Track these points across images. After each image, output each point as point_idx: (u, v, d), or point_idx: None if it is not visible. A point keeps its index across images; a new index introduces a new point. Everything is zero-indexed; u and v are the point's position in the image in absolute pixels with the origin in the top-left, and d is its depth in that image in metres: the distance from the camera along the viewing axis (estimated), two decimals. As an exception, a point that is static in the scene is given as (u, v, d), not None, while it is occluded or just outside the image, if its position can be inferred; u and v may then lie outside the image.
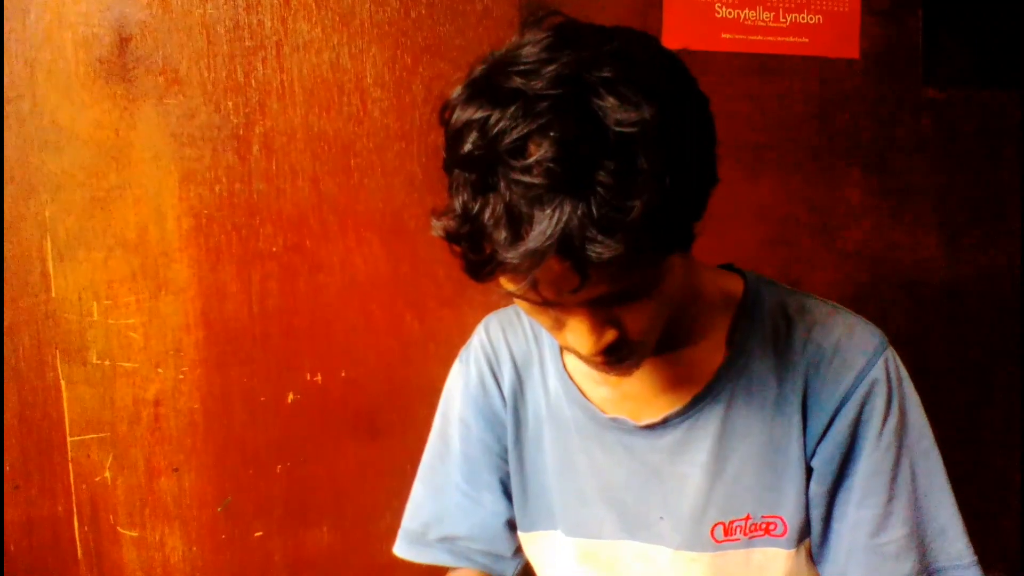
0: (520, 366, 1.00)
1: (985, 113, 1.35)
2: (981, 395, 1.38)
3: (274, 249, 1.15)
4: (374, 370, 1.19)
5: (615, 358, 0.76)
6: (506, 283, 0.69)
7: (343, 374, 1.18)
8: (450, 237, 0.68)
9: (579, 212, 0.61)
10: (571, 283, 0.65)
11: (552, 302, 0.69)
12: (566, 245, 0.61)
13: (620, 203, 0.61)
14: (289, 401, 1.17)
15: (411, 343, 1.19)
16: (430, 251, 1.18)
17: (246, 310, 1.15)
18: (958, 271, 1.36)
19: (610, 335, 0.73)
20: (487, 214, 0.64)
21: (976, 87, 1.34)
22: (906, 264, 1.36)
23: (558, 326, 0.75)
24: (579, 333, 0.72)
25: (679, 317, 0.87)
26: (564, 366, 0.96)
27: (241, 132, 1.14)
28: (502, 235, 0.63)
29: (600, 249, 0.61)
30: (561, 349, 0.96)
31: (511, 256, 0.62)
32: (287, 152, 1.15)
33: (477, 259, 0.67)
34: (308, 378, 1.17)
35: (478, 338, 1.03)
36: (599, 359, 0.76)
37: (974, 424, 1.36)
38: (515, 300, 0.75)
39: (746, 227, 1.30)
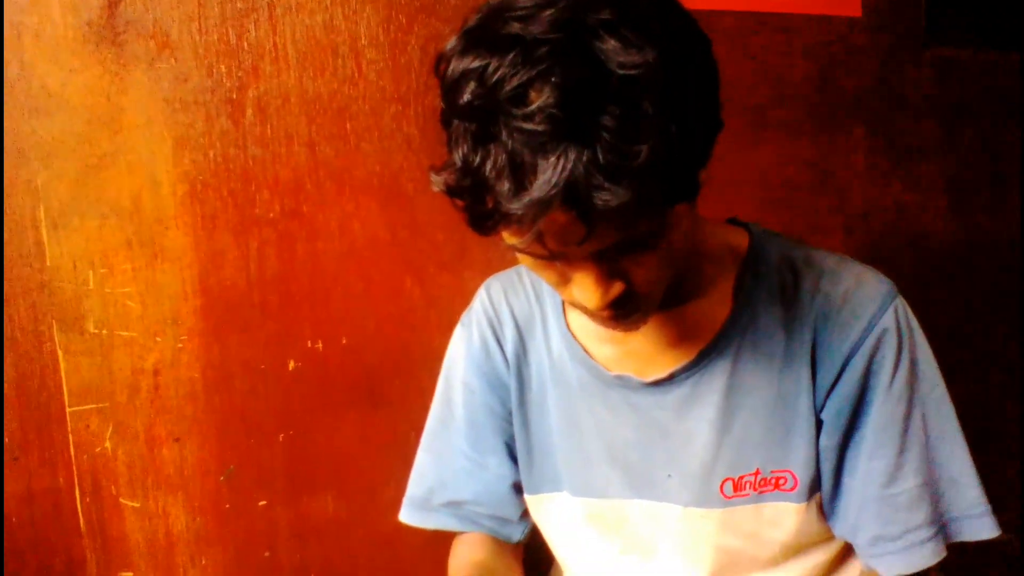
0: (523, 328, 0.99)
1: (989, 72, 1.32)
2: (987, 356, 1.37)
3: (271, 215, 1.13)
4: (375, 337, 1.17)
5: (622, 312, 0.75)
6: (509, 237, 0.68)
7: (344, 341, 1.16)
8: (451, 191, 0.66)
9: (584, 159, 0.59)
10: (577, 234, 0.63)
11: (557, 255, 0.68)
12: (571, 194, 0.60)
13: (626, 148, 0.59)
14: (290, 369, 1.16)
15: (411, 309, 1.18)
16: (429, 215, 1.17)
17: (244, 277, 1.13)
18: (964, 232, 1.35)
19: (617, 288, 0.71)
20: (489, 165, 0.62)
21: (980, 46, 1.32)
22: (911, 225, 1.34)
23: (563, 281, 0.74)
24: (585, 287, 0.71)
25: (684, 272, 0.86)
26: (567, 326, 0.95)
27: (234, 96, 1.12)
28: (505, 186, 0.61)
29: (607, 197, 0.60)
30: (564, 309, 0.95)
31: (515, 207, 0.61)
32: (282, 116, 1.13)
33: (480, 212, 0.65)
34: (308, 345, 1.16)
35: (479, 301, 1.02)
36: (606, 313, 0.75)
37: (980, 385, 1.35)
38: (519, 256, 0.74)
39: (749, 189, 1.29)
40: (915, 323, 0.86)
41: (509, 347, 0.98)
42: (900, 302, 0.85)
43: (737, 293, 0.87)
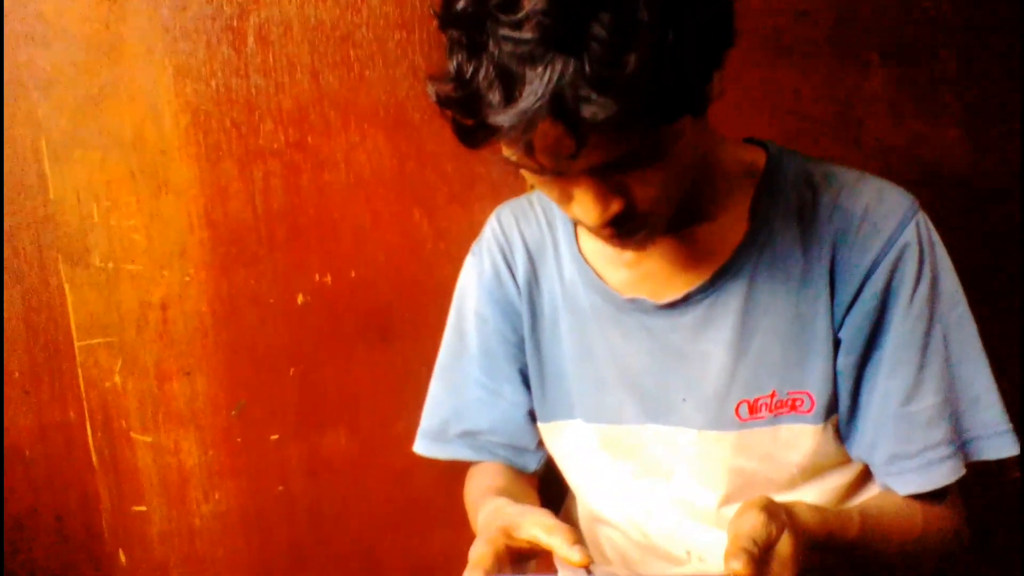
0: (534, 254, 0.97)
1: (1010, 1, 1.28)
2: (1004, 287, 1.35)
3: (275, 146, 1.11)
4: (384, 270, 1.16)
5: (624, 230, 0.73)
6: (506, 150, 0.66)
7: (352, 274, 1.15)
8: (442, 102, 0.64)
9: (571, 69, 0.57)
10: (567, 148, 0.61)
11: (553, 170, 0.66)
12: (558, 105, 0.58)
13: (614, 58, 0.57)
14: (299, 303, 1.14)
15: (420, 241, 1.16)
16: (437, 145, 1.15)
17: (250, 209, 1.12)
18: (980, 165, 1.31)
19: (616, 205, 0.69)
20: (480, 76, 0.60)
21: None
22: (926, 157, 1.31)
23: (565, 198, 0.72)
24: (584, 204, 0.69)
25: (698, 192, 0.84)
26: (580, 251, 0.93)
27: (235, 24, 1.09)
28: (495, 98, 0.59)
29: (594, 109, 0.57)
30: (576, 234, 0.94)
31: (502, 120, 0.59)
32: (284, 44, 1.10)
33: (468, 124, 0.63)
34: (317, 279, 1.14)
35: (490, 228, 1.01)
36: (607, 232, 0.73)
37: (996, 318, 1.33)
38: (523, 172, 0.72)
39: (763, 119, 1.26)
40: (937, 239, 0.84)
41: (520, 274, 0.97)
42: (922, 216, 0.83)
43: (753, 212, 0.85)
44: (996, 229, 1.28)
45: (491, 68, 0.59)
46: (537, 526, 0.67)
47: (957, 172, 1.31)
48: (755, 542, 0.59)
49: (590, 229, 0.74)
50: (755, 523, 0.61)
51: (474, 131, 0.63)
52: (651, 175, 0.69)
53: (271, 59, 1.10)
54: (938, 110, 1.29)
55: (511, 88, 0.59)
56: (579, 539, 0.66)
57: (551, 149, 0.62)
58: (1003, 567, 1.29)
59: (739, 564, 0.57)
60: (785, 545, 0.62)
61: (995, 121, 1.30)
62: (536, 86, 0.57)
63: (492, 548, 0.68)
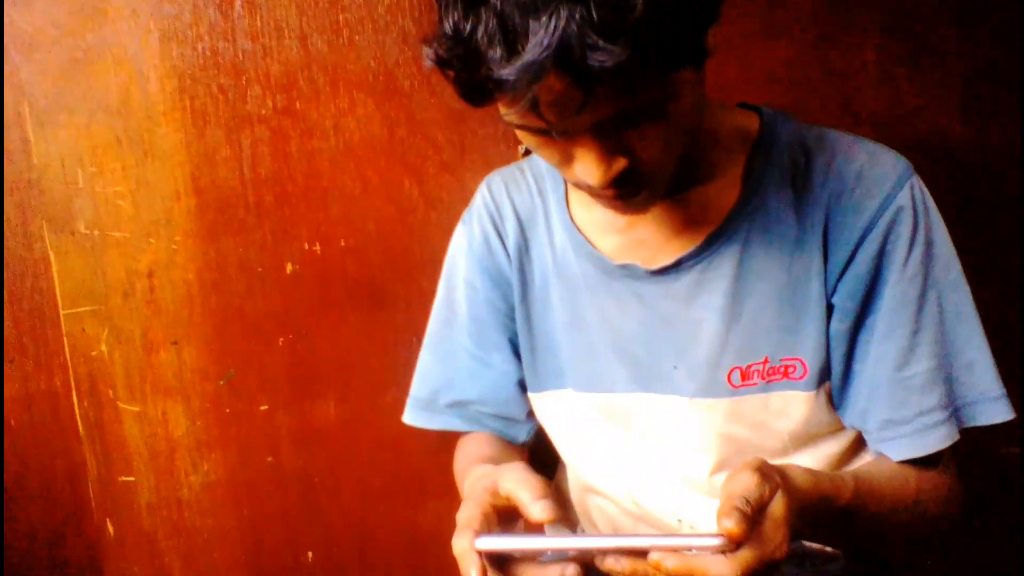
0: (525, 222, 0.96)
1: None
2: (1000, 259, 1.34)
3: (263, 112, 1.10)
4: (374, 239, 1.14)
5: (627, 191, 0.72)
6: (507, 110, 0.64)
7: (342, 243, 1.14)
8: (442, 63, 0.63)
9: (577, 17, 0.55)
10: (574, 101, 0.60)
11: (557, 128, 0.64)
12: (565, 55, 0.56)
13: (620, 3, 0.56)
14: (288, 272, 1.13)
15: (411, 210, 1.15)
16: (428, 113, 1.13)
17: (237, 177, 1.10)
18: (976, 137, 1.30)
19: (620, 163, 0.68)
20: (480, 31, 0.59)
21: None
22: (922, 129, 1.30)
23: (566, 160, 0.71)
24: (587, 163, 0.68)
25: (692, 155, 0.83)
26: (571, 218, 0.92)
27: (222, -14, 1.07)
28: (497, 52, 0.58)
29: (602, 57, 0.56)
30: (568, 201, 0.92)
31: (507, 73, 0.58)
32: (271, 7, 1.08)
33: (472, 82, 0.62)
34: (306, 247, 1.13)
35: (480, 196, 1.00)
36: (610, 192, 0.72)
37: (992, 295, 1.32)
38: (519, 135, 0.71)
39: (758, 90, 1.24)
40: (931, 203, 0.83)
41: (511, 242, 0.96)
42: (916, 180, 0.82)
43: (747, 176, 0.84)
44: (992, 203, 1.27)
45: (491, 21, 0.58)
46: (511, 481, 0.67)
47: (952, 144, 1.30)
48: (748, 501, 0.59)
49: (592, 191, 0.73)
50: (748, 483, 0.60)
51: (477, 88, 0.62)
52: (653, 132, 0.68)
53: (259, 23, 1.08)
54: (934, 83, 1.27)
55: (514, 41, 0.58)
56: (548, 494, 0.65)
57: (557, 103, 0.61)
58: (1004, 543, 1.30)
59: (731, 522, 0.56)
60: (778, 506, 0.61)
61: (991, 93, 1.29)
62: (541, 36, 0.56)
63: (479, 509, 0.67)
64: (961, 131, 1.29)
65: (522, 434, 1.02)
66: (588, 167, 0.68)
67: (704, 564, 0.57)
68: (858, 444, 0.90)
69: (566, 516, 1.04)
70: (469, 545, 0.62)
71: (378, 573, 1.22)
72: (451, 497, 0.68)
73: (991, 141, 1.29)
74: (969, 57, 1.27)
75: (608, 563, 0.60)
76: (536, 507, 0.63)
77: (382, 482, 1.20)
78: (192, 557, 1.17)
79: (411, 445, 1.17)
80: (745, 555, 0.57)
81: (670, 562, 0.57)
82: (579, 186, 0.74)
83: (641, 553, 0.59)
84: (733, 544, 0.57)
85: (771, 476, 0.62)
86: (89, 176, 1.06)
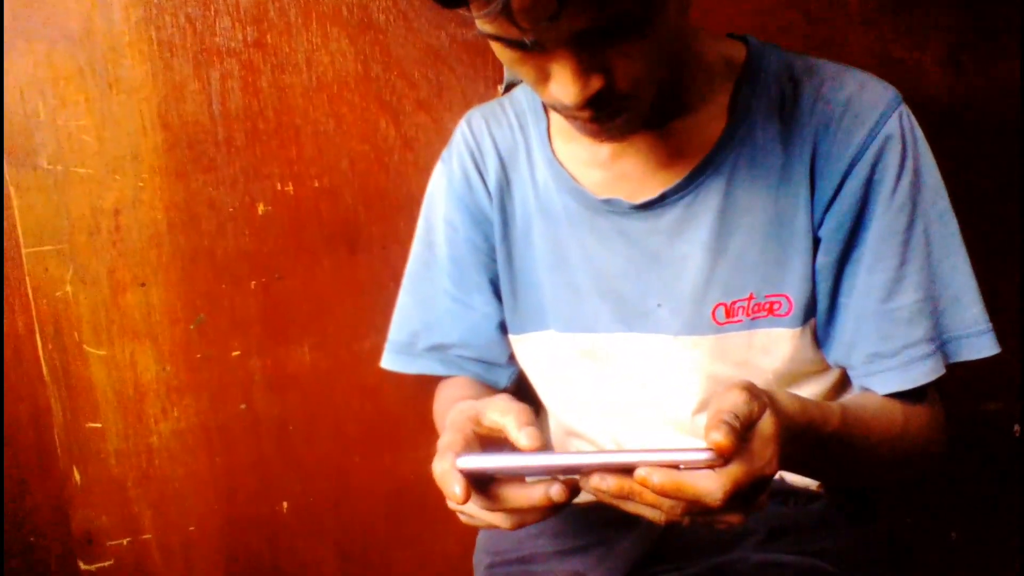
0: (506, 158, 0.93)
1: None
2: (984, 214, 1.33)
3: (232, 44, 1.05)
4: (349, 179, 1.11)
5: (605, 113, 0.70)
6: (481, 18, 0.61)
7: (315, 184, 1.10)
8: None
9: None
10: (548, 7, 0.57)
11: (532, 39, 0.62)
12: None
13: None
14: (260, 212, 1.09)
15: (387, 150, 1.11)
16: (404, 49, 1.09)
17: (206, 112, 1.06)
18: (959, 88, 1.29)
19: (596, 82, 0.66)
20: None
21: None
22: (907, 79, 1.29)
23: (543, 78, 0.68)
24: (563, 80, 0.66)
25: (677, 85, 0.81)
26: (553, 153, 0.90)
27: (189, -90, 1.02)
28: None
29: None
30: (550, 136, 0.90)
31: None
32: (240, -67, 1.04)
33: None
34: (278, 187, 1.09)
35: (460, 133, 0.97)
36: (586, 114, 0.69)
37: (973, 244, 1.32)
38: (495, 49, 0.68)
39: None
40: (920, 133, 0.81)
41: (492, 179, 0.94)
42: (905, 109, 0.80)
43: (733, 106, 0.82)
44: (978, 159, 1.26)
45: None
46: (496, 411, 0.66)
47: (934, 95, 1.29)
48: (737, 416, 0.57)
49: (568, 112, 0.71)
50: (737, 400, 0.59)
51: None
52: (632, 50, 0.66)
53: (228, -49, 1.04)
54: (916, 31, 1.26)
55: None
56: (532, 422, 0.64)
57: (530, 9, 0.58)
58: (1005, 522, 1.30)
59: (720, 435, 0.55)
60: (767, 424, 0.59)
61: (974, 44, 1.27)
62: None
63: (461, 435, 0.65)
64: (943, 82, 1.28)
65: (503, 379, 1.00)
66: (564, 85, 0.66)
67: (693, 479, 0.56)
68: (842, 385, 0.89)
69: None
70: (451, 465, 0.61)
71: (355, 524, 1.20)
72: (430, 445, 0.66)
73: (973, 94, 1.28)
74: (951, 9, 1.25)
75: (593, 482, 0.58)
76: (521, 435, 0.63)
77: (359, 430, 1.17)
78: (162, 506, 1.14)
79: (389, 392, 1.15)
80: (734, 470, 0.56)
81: (657, 477, 0.55)
82: (556, 108, 0.72)
83: (627, 470, 0.57)
84: (722, 458, 0.55)
85: (759, 395, 0.61)
86: (51, 108, 1.02)
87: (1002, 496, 1.31)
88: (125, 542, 1.15)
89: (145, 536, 1.15)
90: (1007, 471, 1.30)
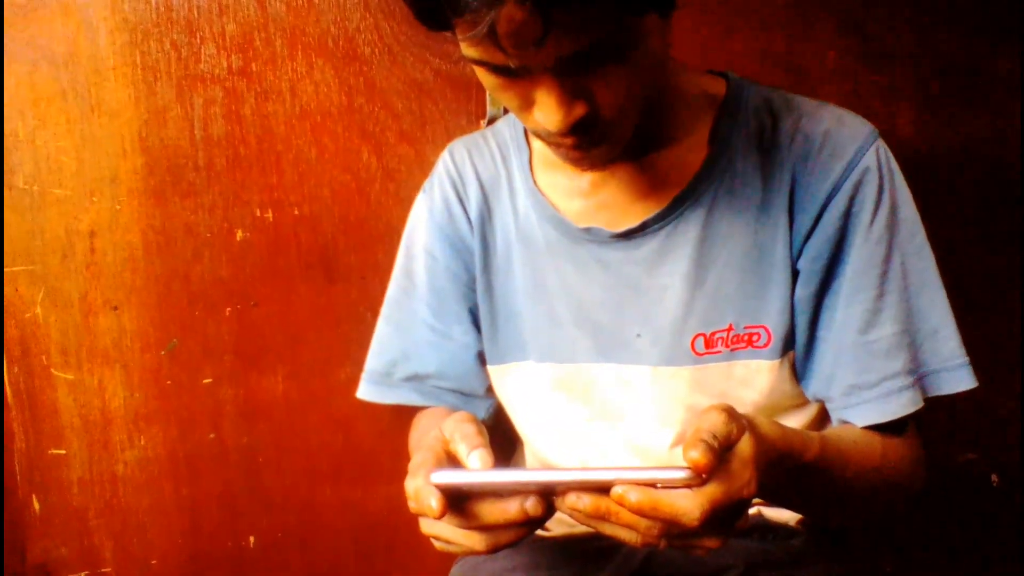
0: (487, 189, 0.94)
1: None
2: (953, 257, 1.35)
3: (217, 71, 1.06)
4: (329, 207, 1.11)
5: (587, 139, 0.71)
6: (467, 43, 0.62)
7: (295, 211, 1.10)
8: None
9: None
10: (534, 32, 0.58)
11: (517, 64, 0.62)
12: None
13: None
14: (238, 239, 1.09)
15: (368, 180, 1.12)
16: (388, 81, 1.10)
17: (188, 137, 1.06)
18: (934, 141, 1.32)
19: (579, 108, 0.67)
20: None
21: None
22: (881, 132, 1.31)
23: (526, 104, 0.69)
24: (547, 107, 0.66)
25: (658, 116, 0.82)
26: (535, 182, 0.90)
27: (177, -62, 1.04)
28: None
29: None
30: (531, 167, 0.91)
31: None
32: (229, -37, 1.05)
33: (429, 3, 0.60)
34: (258, 214, 1.09)
35: (442, 163, 0.98)
36: (569, 141, 0.70)
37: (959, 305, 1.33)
38: (479, 74, 0.69)
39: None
40: (896, 167, 0.83)
41: (473, 209, 0.94)
42: (881, 144, 0.82)
43: (713, 138, 0.83)
44: (950, 209, 1.28)
45: None
46: (456, 431, 0.64)
47: (909, 148, 1.31)
48: (715, 436, 0.56)
49: (551, 138, 0.71)
50: (716, 420, 0.58)
51: (435, 9, 0.60)
52: (615, 77, 0.67)
53: (215, -20, 1.05)
54: (892, 84, 1.29)
55: None
56: (483, 444, 0.62)
57: (516, 34, 0.59)
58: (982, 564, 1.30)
59: (697, 453, 0.54)
60: (746, 445, 0.59)
61: (949, 98, 1.30)
62: None
63: (432, 453, 0.64)
64: (919, 135, 1.30)
65: (480, 411, 0.99)
66: (548, 111, 0.67)
67: (670, 498, 0.54)
68: (821, 419, 0.89)
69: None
70: (424, 481, 0.59)
71: (323, 561, 1.17)
72: (402, 480, 0.65)
73: (946, 147, 1.31)
74: (926, 62, 1.28)
75: (569, 502, 0.57)
76: (472, 458, 0.61)
77: (330, 463, 1.15)
78: (125, 537, 1.11)
79: (362, 425, 1.13)
80: (712, 489, 0.55)
81: (634, 496, 0.54)
82: (539, 134, 0.72)
83: (604, 488, 0.56)
84: (699, 477, 0.54)
85: (738, 417, 0.60)
86: (30, 128, 1.01)
87: (982, 541, 1.30)
88: (83, 575, 1.11)
89: (105, 569, 1.11)
90: (986, 518, 1.30)
